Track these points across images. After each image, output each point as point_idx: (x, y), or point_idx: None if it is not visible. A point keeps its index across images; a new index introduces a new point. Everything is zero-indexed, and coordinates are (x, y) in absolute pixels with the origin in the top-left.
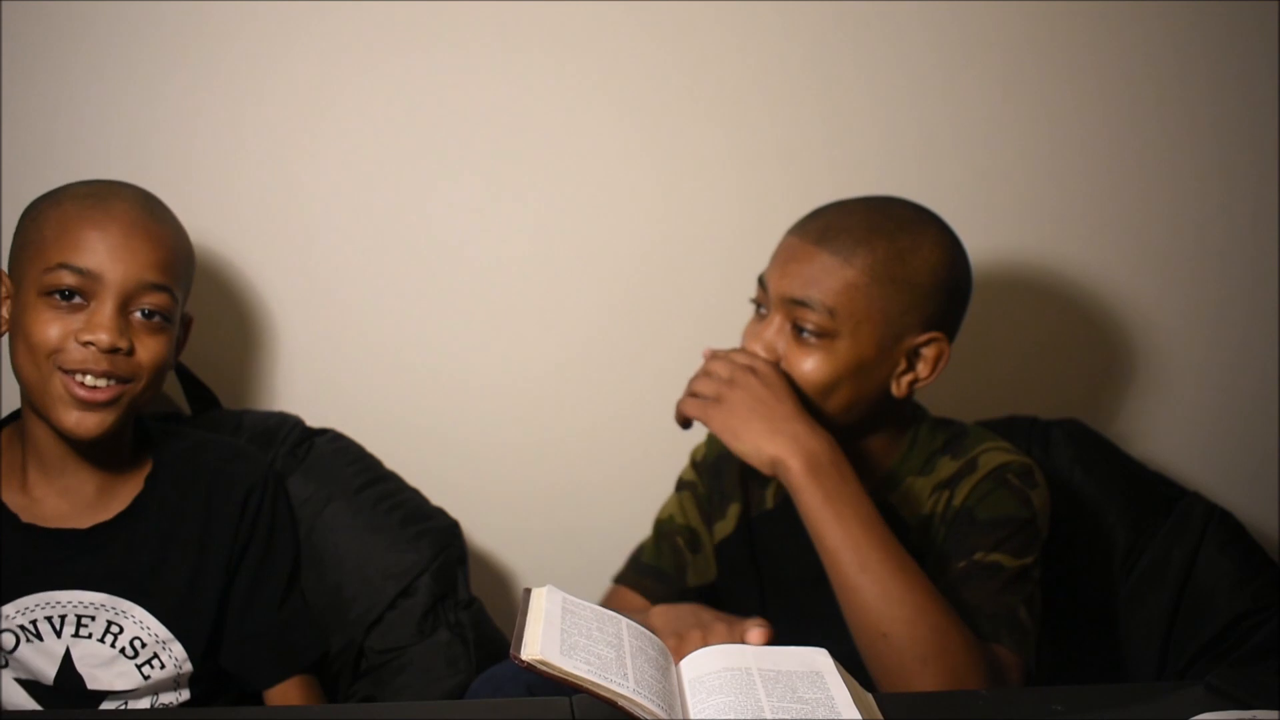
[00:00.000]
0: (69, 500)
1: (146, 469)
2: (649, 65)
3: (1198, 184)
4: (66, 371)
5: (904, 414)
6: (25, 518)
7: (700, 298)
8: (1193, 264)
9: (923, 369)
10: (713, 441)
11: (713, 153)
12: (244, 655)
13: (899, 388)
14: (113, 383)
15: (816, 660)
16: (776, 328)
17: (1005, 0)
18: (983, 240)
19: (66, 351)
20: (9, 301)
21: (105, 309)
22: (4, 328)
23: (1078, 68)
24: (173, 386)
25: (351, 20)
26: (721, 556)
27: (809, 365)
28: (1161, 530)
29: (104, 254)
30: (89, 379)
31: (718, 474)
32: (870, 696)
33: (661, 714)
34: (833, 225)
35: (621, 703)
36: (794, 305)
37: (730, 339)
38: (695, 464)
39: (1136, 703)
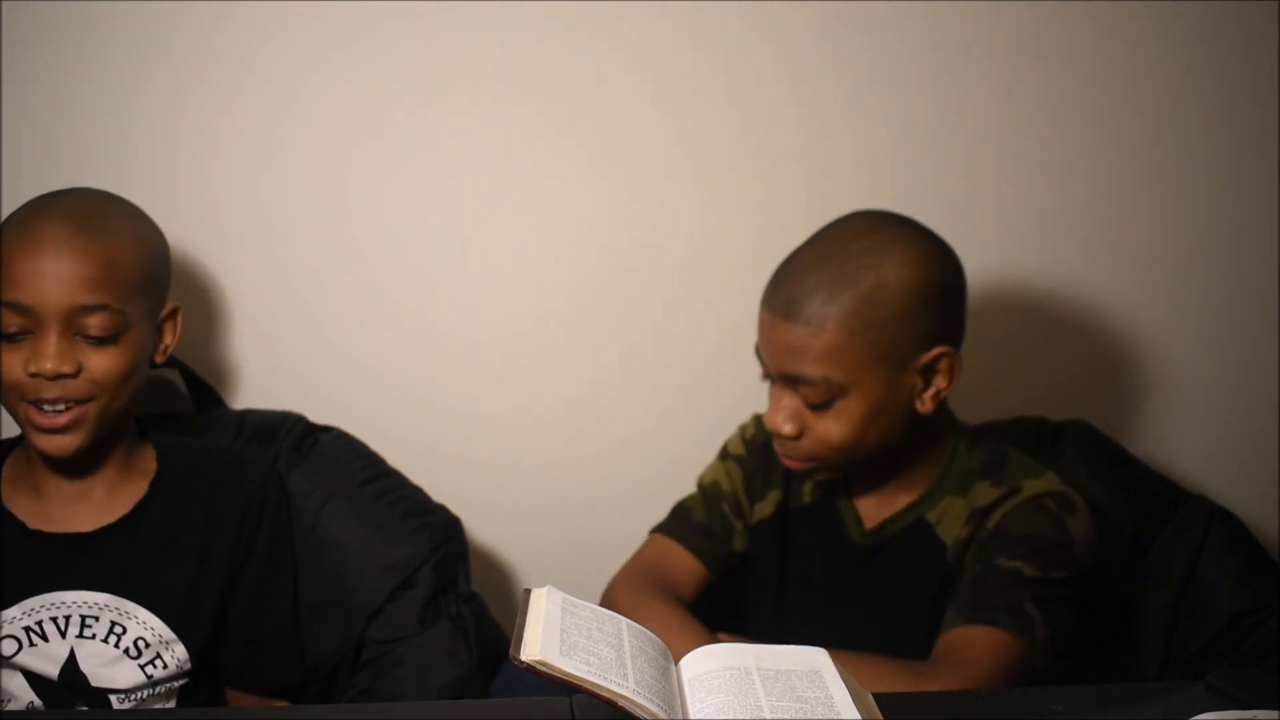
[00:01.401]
0: (76, 505)
1: (151, 472)
2: (651, 67)
3: (1200, 188)
4: (29, 401)
5: (939, 427)
6: (32, 524)
7: (705, 300)
8: (1195, 268)
9: (940, 381)
10: (762, 423)
11: (716, 158)
12: (233, 658)
13: (924, 405)
14: (70, 406)
15: (816, 659)
16: (789, 398)
17: (1017, 1)
18: (991, 244)
19: (22, 384)
20: None
21: (47, 338)
22: None
23: (1088, 69)
24: (176, 384)
25: (348, 22)
26: (753, 538)
27: (832, 429)
28: (1165, 531)
29: (34, 285)
30: (45, 406)
31: (767, 456)
32: (870, 696)
33: (661, 714)
34: (795, 293)
35: (621, 703)
36: (791, 381)
37: (732, 340)
38: (745, 440)
39: (1136, 703)
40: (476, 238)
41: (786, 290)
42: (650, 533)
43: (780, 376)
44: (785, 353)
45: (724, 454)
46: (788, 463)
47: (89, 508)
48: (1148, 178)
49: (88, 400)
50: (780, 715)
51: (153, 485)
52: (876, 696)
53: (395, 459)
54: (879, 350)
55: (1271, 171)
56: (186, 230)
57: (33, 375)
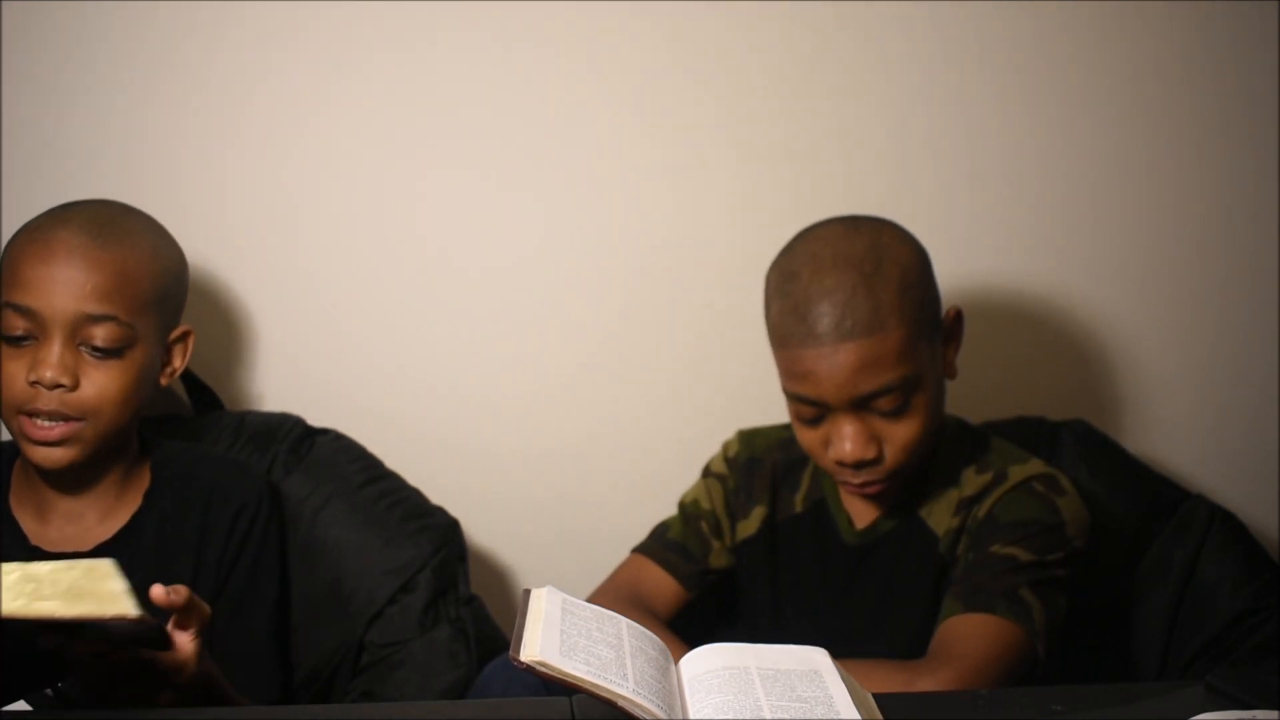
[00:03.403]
0: (74, 522)
1: (145, 483)
2: (654, 64)
3: (1201, 188)
4: (24, 412)
5: None
6: (34, 540)
7: (706, 301)
8: (1196, 268)
9: (957, 339)
10: (745, 439)
11: (716, 154)
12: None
13: (952, 369)
14: (60, 422)
15: (815, 659)
16: (859, 423)
17: (1015, 1)
18: (990, 240)
19: (21, 393)
20: None
21: (51, 345)
22: None
23: (1087, 72)
24: (175, 386)
25: (349, 20)
26: (740, 557)
27: (911, 429)
28: (1165, 531)
29: (44, 289)
30: (40, 419)
31: (749, 473)
32: (870, 696)
33: (661, 714)
34: (841, 314)
35: (621, 703)
36: (868, 399)
37: (734, 341)
38: (728, 459)
39: (1136, 702)
40: (477, 240)
41: (829, 316)
42: (631, 552)
43: (853, 403)
44: (859, 373)
45: (706, 472)
46: (865, 491)
47: (86, 526)
48: (1148, 179)
49: (81, 419)
50: (780, 715)
51: (147, 498)
52: (876, 696)
53: (395, 461)
54: (928, 328)
55: (1272, 172)
56: (193, 233)
57: (32, 383)
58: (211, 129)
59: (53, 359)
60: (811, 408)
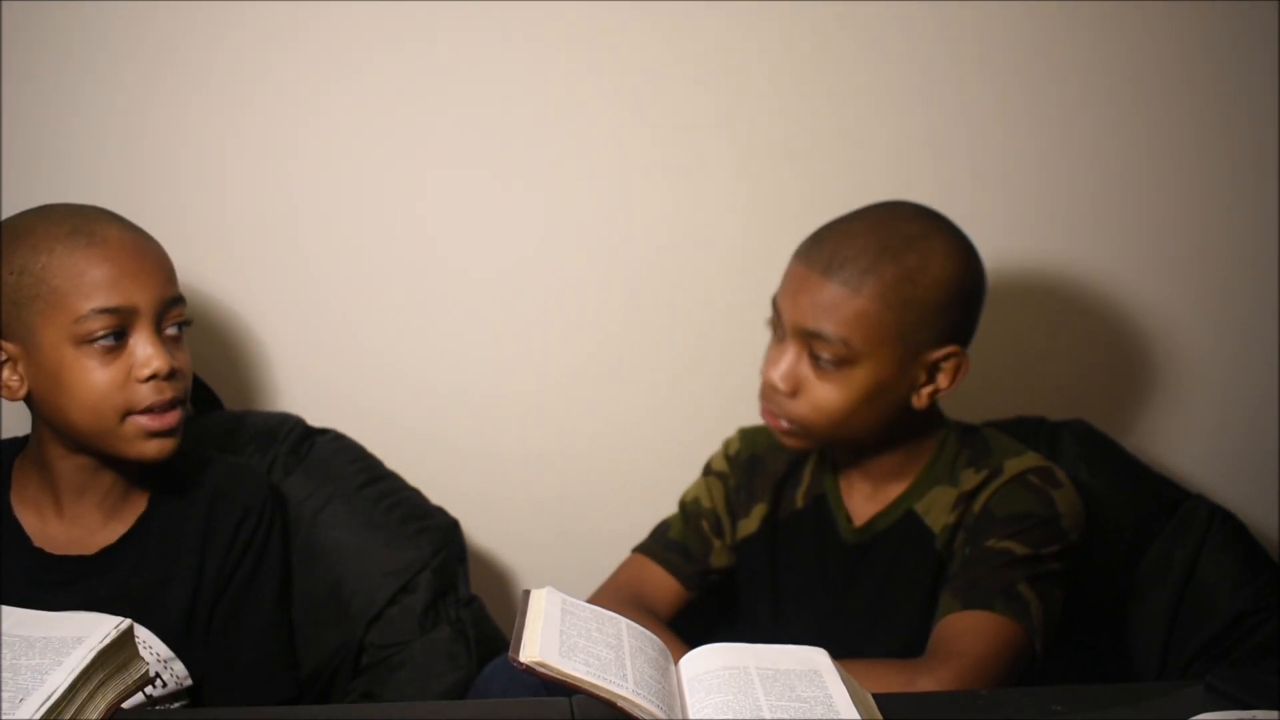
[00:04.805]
0: (79, 525)
1: (150, 486)
2: (655, 63)
3: (1200, 186)
4: (140, 411)
5: (929, 421)
6: (37, 541)
7: (707, 301)
8: (1195, 266)
9: (942, 380)
10: (747, 437)
11: (719, 154)
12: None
13: (919, 399)
14: (172, 409)
15: (815, 659)
16: (795, 355)
17: (1015, 1)
18: (990, 241)
19: (134, 394)
20: (13, 364)
21: (149, 338)
22: (19, 392)
23: (1088, 69)
24: None
25: (349, 20)
26: (740, 556)
27: (828, 392)
28: (1165, 531)
29: (129, 285)
30: (157, 411)
31: (750, 472)
32: (870, 696)
33: (660, 714)
34: (839, 253)
35: (621, 703)
36: (808, 336)
37: (737, 342)
38: (729, 456)
39: (1136, 703)
40: (479, 240)
41: (831, 246)
42: (632, 551)
43: (796, 329)
44: (812, 308)
45: (706, 470)
46: (768, 419)
47: (91, 528)
48: (1148, 179)
49: (184, 399)
50: (779, 715)
51: (151, 500)
52: (876, 696)
53: (396, 461)
54: (903, 330)
55: (1272, 172)
56: (193, 233)
57: (147, 379)
58: (211, 129)
59: (159, 349)
60: (775, 319)
